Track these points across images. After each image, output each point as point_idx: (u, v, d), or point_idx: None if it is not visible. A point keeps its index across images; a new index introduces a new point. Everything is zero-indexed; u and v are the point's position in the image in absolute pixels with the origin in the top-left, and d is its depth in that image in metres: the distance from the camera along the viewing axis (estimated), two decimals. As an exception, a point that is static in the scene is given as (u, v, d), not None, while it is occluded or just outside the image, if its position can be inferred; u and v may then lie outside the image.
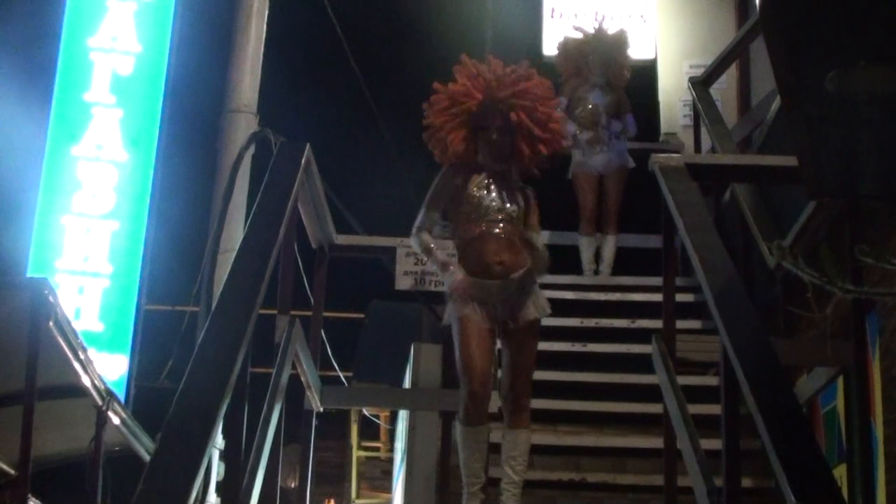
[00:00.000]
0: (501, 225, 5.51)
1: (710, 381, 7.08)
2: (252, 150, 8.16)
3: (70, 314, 6.12)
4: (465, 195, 5.55)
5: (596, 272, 9.03)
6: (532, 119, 5.56)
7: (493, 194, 5.54)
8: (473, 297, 5.42)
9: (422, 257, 5.76)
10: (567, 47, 9.46)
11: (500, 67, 5.67)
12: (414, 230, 5.63)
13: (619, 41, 9.40)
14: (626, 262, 9.21)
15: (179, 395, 3.76)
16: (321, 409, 6.27)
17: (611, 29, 9.52)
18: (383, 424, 14.34)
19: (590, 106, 9.18)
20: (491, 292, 5.43)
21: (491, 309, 5.44)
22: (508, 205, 5.55)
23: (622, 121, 9.26)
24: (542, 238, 5.77)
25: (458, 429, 5.53)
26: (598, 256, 9.09)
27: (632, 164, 9.12)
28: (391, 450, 13.13)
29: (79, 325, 7.55)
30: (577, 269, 9.08)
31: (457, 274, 5.46)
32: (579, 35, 9.48)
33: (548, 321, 7.98)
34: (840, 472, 5.93)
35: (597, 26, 9.52)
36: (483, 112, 5.59)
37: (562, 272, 8.89)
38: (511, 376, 5.52)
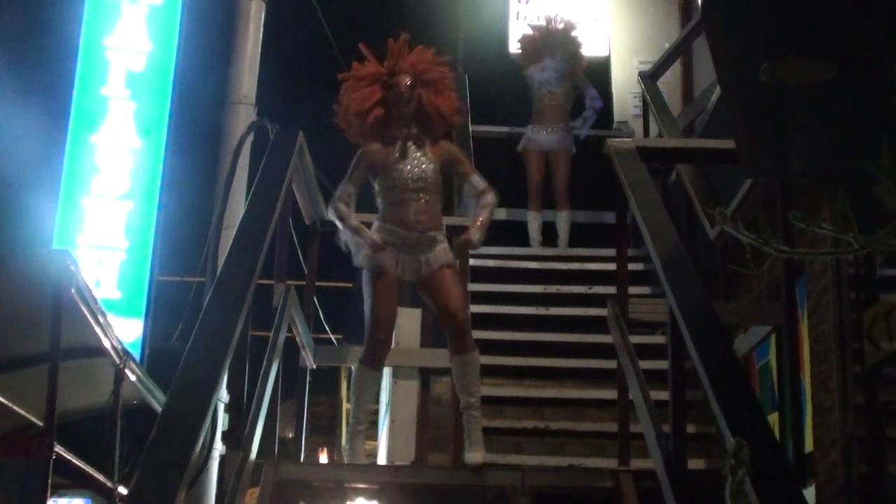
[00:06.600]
0: (421, 194, 5.39)
1: (659, 339, 7.08)
2: (251, 137, 8.12)
3: (91, 284, 6.08)
4: (385, 172, 5.43)
5: (553, 245, 9.02)
6: (431, 78, 5.51)
7: (409, 166, 5.42)
8: (388, 243, 5.32)
9: (338, 225, 5.55)
10: (524, 42, 9.57)
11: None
12: (332, 201, 5.49)
13: (568, 31, 9.46)
14: (583, 235, 9.19)
15: (187, 354, 3.76)
16: (314, 366, 6.27)
17: (559, 23, 9.54)
18: (370, 381, 14.32)
19: (545, 91, 9.25)
20: (406, 242, 5.34)
21: (402, 257, 5.33)
22: (426, 173, 5.42)
23: (586, 94, 9.47)
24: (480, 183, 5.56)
25: (358, 369, 5.42)
26: (554, 232, 9.07)
27: (574, 150, 9.16)
28: (377, 403, 13.11)
29: (98, 294, 7.50)
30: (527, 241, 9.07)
31: (371, 236, 5.35)
32: (533, 31, 9.68)
33: (514, 288, 8.01)
34: (773, 420, 5.95)
35: (548, 22, 9.56)
36: (389, 75, 5.49)
37: (525, 245, 8.91)
38: (445, 318, 5.40)
